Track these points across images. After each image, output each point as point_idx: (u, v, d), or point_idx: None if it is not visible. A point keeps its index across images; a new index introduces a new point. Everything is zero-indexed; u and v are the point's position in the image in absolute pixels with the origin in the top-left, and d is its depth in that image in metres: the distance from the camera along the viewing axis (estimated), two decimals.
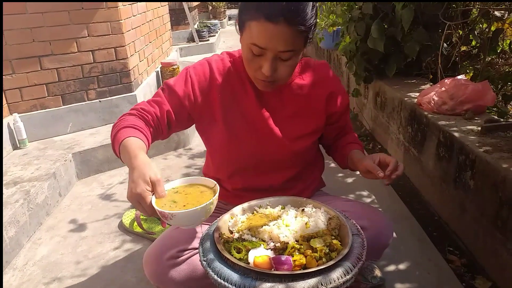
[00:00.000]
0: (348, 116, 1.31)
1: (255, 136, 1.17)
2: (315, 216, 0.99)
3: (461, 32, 2.32)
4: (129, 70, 2.76)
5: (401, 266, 1.46)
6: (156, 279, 1.06)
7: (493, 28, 2.23)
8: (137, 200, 0.87)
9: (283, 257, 0.84)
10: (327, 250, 0.87)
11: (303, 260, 0.85)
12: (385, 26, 2.31)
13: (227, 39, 8.07)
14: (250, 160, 1.20)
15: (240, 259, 0.86)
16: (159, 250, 1.07)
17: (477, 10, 2.26)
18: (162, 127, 1.14)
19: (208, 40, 6.86)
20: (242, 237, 0.94)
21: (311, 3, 0.98)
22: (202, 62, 1.19)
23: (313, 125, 1.21)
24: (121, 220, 1.85)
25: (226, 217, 1.02)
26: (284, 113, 1.18)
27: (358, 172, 2.19)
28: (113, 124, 1.11)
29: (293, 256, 0.85)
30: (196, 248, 1.10)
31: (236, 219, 1.01)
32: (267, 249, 0.90)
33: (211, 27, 7.42)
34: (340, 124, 1.28)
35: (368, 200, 1.93)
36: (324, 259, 0.85)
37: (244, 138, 1.17)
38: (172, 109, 1.13)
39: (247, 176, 1.21)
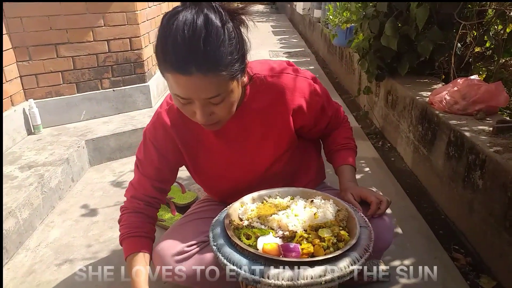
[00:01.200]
0: (330, 111, 1.20)
1: (229, 173, 1.16)
2: (324, 207, 1.00)
3: (475, 33, 2.30)
4: (143, 60, 2.79)
5: (406, 262, 1.47)
6: (165, 275, 1.09)
7: (508, 30, 2.21)
8: None
9: (292, 245, 0.86)
10: (335, 240, 0.89)
11: (311, 249, 0.86)
12: (399, 24, 2.30)
13: None
14: (234, 192, 1.18)
15: (249, 245, 0.88)
16: (167, 247, 1.10)
17: (493, 10, 2.24)
18: (157, 196, 1.16)
19: None
20: (252, 224, 0.97)
21: (225, 33, 0.83)
22: (154, 119, 1.13)
23: (285, 144, 1.15)
24: None
25: (236, 205, 1.04)
26: (251, 140, 1.11)
27: (367, 169, 2.20)
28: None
29: (301, 245, 0.87)
30: (204, 242, 1.13)
31: (246, 207, 1.03)
32: (275, 237, 0.92)
33: None
34: (319, 128, 1.21)
35: None
36: (331, 249, 0.87)
37: (218, 178, 1.18)
38: (153, 179, 1.14)
39: (239, 197, 1.14)
